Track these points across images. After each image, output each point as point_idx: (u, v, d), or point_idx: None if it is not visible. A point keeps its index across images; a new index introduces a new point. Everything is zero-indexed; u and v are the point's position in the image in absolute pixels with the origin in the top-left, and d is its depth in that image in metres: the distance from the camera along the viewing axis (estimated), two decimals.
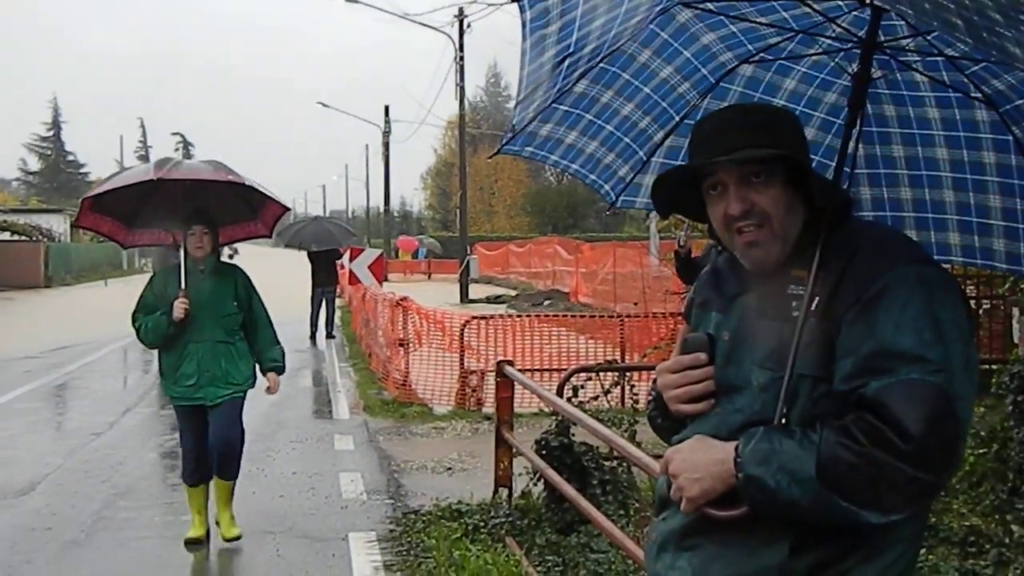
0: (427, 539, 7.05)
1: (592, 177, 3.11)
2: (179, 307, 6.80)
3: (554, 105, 2.89)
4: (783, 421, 2.19)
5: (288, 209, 8.01)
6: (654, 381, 2.55)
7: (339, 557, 6.98)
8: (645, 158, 3.05)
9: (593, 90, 2.89)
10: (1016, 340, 10.62)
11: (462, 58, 37.57)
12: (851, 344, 2.15)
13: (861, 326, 2.14)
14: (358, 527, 7.65)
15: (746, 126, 2.31)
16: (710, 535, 2.27)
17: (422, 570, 6.55)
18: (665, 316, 14.02)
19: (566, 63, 2.70)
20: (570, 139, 3.00)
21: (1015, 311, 11.03)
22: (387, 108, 54.32)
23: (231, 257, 20.73)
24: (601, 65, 2.81)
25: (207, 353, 6.93)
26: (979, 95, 2.70)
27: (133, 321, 7.05)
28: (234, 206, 7.46)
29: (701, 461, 2.22)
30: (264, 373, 7.22)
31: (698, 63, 2.88)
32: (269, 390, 7.25)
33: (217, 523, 7.25)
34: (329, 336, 21.09)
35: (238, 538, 7.13)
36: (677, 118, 2.97)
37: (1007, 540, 6.32)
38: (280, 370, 7.25)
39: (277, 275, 23.56)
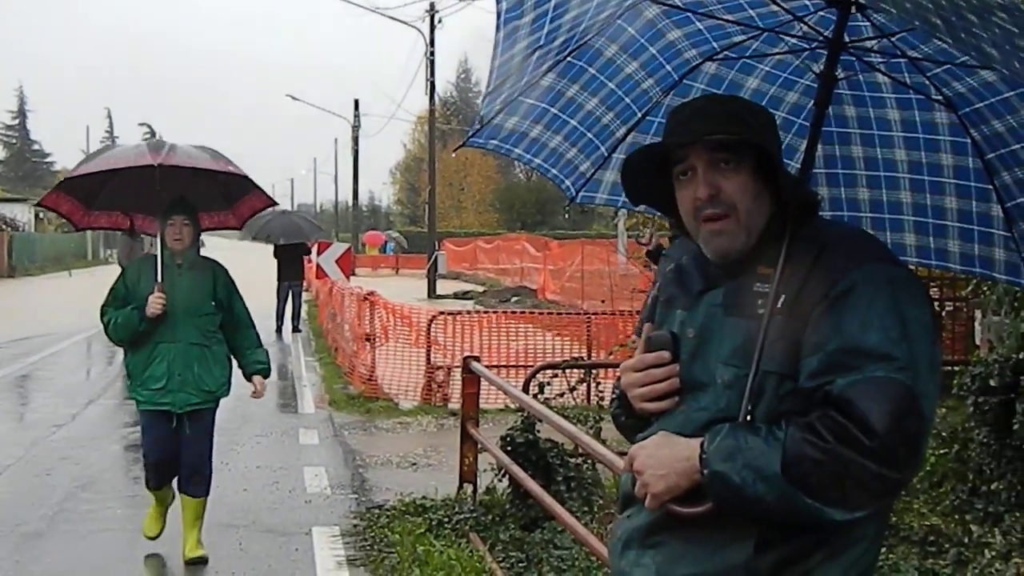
0: (391, 534, 7.04)
1: (554, 172, 3.11)
2: (155, 303, 6.22)
3: (520, 98, 2.89)
4: (748, 418, 2.20)
5: (275, 204, 7.38)
6: (618, 379, 2.56)
7: (303, 551, 6.96)
8: (606, 153, 3.06)
9: (559, 84, 2.89)
10: (978, 342, 10.72)
11: (432, 53, 37.55)
12: (817, 341, 2.16)
13: (827, 323, 2.15)
14: (322, 521, 7.63)
15: (720, 114, 2.33)
16: (675, 532, 2.27)
17: (385, 565, 6.54)
18: (632, 314, 14.05)
19: (535, 55, 2.71)
20: (534, 133, 3.00)
21: (977, 313, 11.14)
22: (356, 102, 54.26)
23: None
24: (568, 59, 2.81)
25: (179, 355, 6.34)
26: (940, 97, 2.73)
27: (102, 315, 6.47)
28: (207, 195, 6.81)
29: (666, 457, 2.22)
30: (248, 377, 6.70)
31: (663, 59, 2.89)
32: (256, 394, 6.76)
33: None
34: (295, 330, 21.02)
35: (202, 560, 6.57)
36: (639, 114, 2.98)
37: (966, 540, 6.39)
38: (266, 373, 6.77)
39: (243, 268, 23.37)
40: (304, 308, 22.58)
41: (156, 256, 6.43)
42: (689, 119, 2.34)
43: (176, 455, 6.51)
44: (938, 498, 7.19)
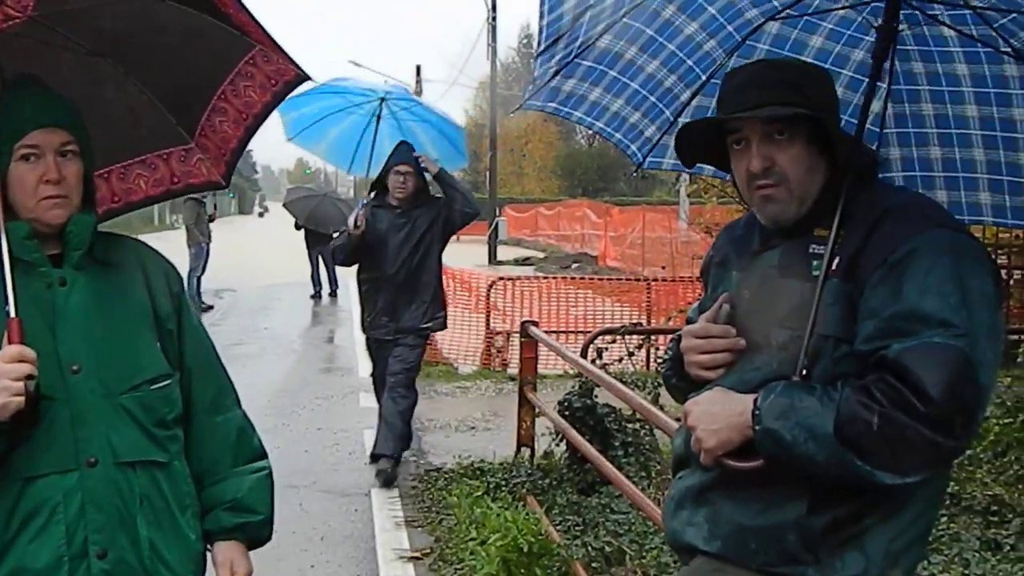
0: (449, 496, 7.09)
1: (618, 136, 3.07)
2: (11, 380, 2.19)
3: (577, 60, 2.86)
4: (803, 374, 2.19)
5: (305, 76, 2.64)
6: (673, 341, 2.57)
7: (361, 512, 7.04)
8: (672, 118, 3.02)
9: (617, 45, 2.85)
10: None
11: (494, 19, 37.42)
12: (875, 305, 2.14)
13: (886, 288, 2.14)
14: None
15: (774, 82, 2.31)
16: (727, 491, 2.29)
17: (443, 527, 6.60)
18: (692, 280, 13.99)
19: (588, 15, 2.67)
20: (594, 96, 2.97)
21: None
22: (419, 68, 54.12)
23: (212, 220, 18.72)
24: (624, 20, 2.77)
25: (99, 498, 2.37)
26: (1008, 49, 2.66)
27: None
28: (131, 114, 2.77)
29: (720, 412, 2.23)
30: (215, 538, 2.61)
31: (724, 20, 2.83)
32: None
33: None
34: (332, 295, 20.79)
35: None
36: (704, 77, 2.93)
37: None
38: (256, 534, 2.67)
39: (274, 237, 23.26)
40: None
41: None
42: (743, 87, 2.32)
43: None
44: (1002, 468, 7.08)
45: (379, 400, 7.94)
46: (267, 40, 2.48)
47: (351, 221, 7.56)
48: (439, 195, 7.84)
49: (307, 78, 2.65)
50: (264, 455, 2.73)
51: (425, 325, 7.79)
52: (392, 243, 7.59)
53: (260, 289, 21.66)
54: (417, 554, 6.21)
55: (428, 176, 7.71)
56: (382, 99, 8.31)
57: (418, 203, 7.69)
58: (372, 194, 7.87)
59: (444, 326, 8.16)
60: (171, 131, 2.79)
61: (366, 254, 7.67)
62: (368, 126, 8.31)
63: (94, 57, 2.63)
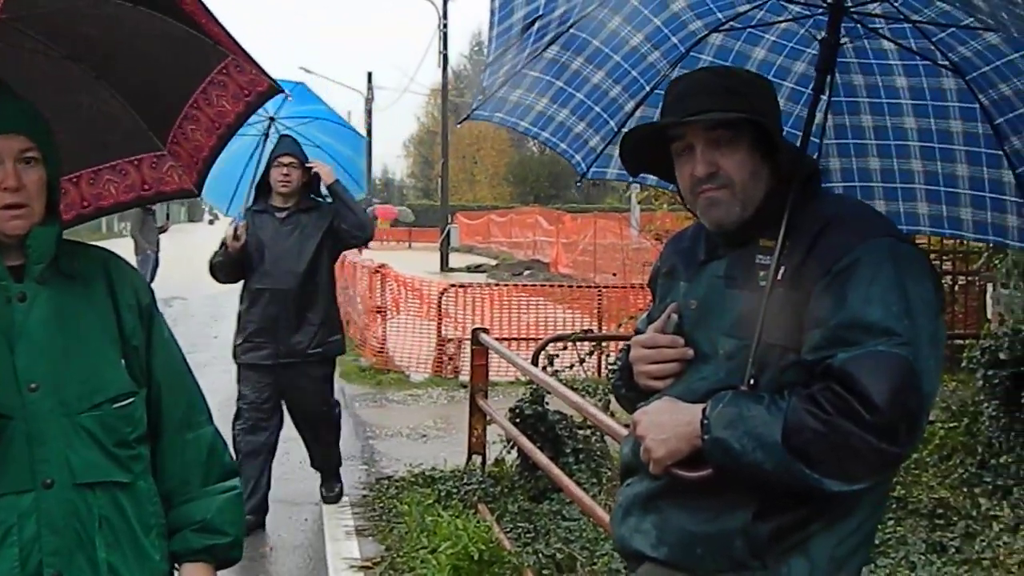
0: (400, 505, 7.07)
1: (563, 146, 3.09)
2: None
3: (524, 70, 2.87)
4: (752, 383, 2.21)
5: (279, 89, 2.64)
6: (622, 351, 2.58)
7: (312, 521, 7.01)
8: (616, 128, 3.04)
9: (563, 56, 2.87)
10: (989, 315, 10.70)
11: (445, 26, 37.47)
12: (820, 315, 2.16)
13: (830, 297, 2.16)
14: None
15: (718, 89, 2.32)
16: (675, 498, 2.30)
17: (394, 535, 6.57)
18: (643, 287, 14.06)
19: (536, 26, 2.69)
20: (540, 106, 2.98)
21: (989, 286, 11.12)
22: (370, 75, 54.07)
23: (164, 231, 18.83)
24: (571, 31, 2.80)
25: (56, 520, 2.27)
26: (946, 62, 2.72)
27: None
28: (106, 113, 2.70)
29: (668, 422, 2.24)
30: (183, 559, 2.49)
31: (668, 31, 2.86)
32: None
33: None
34: None
35: None
36: (648, 88, 2.96)
37: (974, 513, 6.38)
38: (230, 554, 2.54)
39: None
40: None
41: None
42: (686, 94, 2.34)
43: None
44: (947, 471, 7.18)
45: (258, 436, 7.03)
46: (240, 52, 2.46)
47: (229, 232, 6.52)
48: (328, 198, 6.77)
49: (280, 90, 2.61)
50: (235, 473, 2.62)
51: (313, 351, 6.72)
52: (274, 252, 6.56)
53: (210, 297, 21.40)
54: (368, 563, 6.19)
55: (321, 178, 6.69)
56: (271, 118, 7.27)
57: (304, 206, 6.68)
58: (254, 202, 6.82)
59: (341, 350, 7.23)
60: (143, 137, 2.72)
61: (249, 268, 6.66)
62: (255, 152, 7.18)
63: (66, 61, 2.57)
